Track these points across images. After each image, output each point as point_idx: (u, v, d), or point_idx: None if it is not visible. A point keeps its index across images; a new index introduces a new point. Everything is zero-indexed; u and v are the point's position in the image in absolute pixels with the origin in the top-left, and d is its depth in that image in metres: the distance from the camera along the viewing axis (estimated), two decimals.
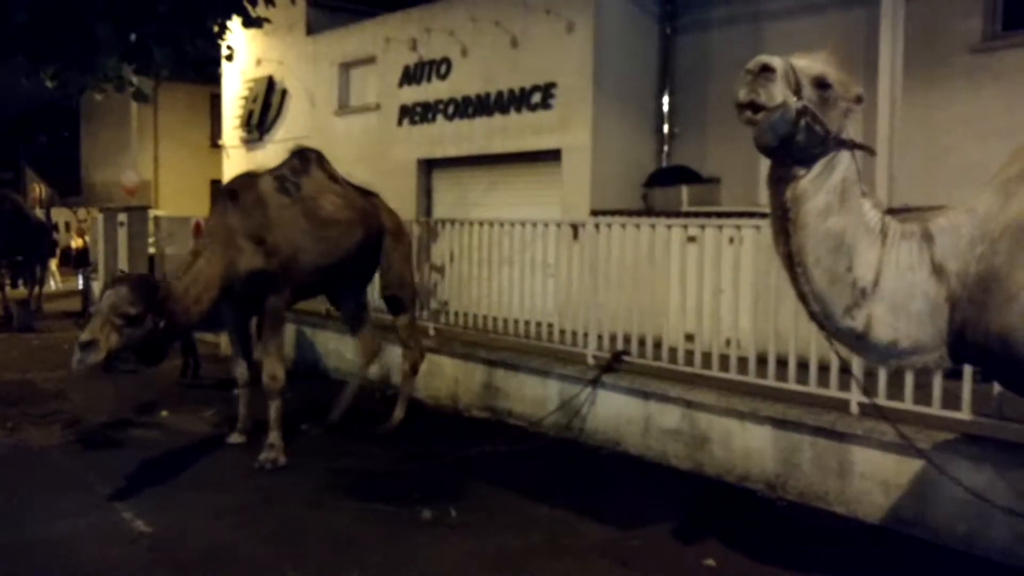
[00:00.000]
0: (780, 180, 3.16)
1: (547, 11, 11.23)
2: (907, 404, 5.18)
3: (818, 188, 3.09)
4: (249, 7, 7.97)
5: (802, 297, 3.24)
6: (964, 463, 4.83)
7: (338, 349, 9.64)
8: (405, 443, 6.99)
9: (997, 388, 4.83)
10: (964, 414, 5.02)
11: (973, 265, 3.01)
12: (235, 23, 8.23)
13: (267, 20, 8.03)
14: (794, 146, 3.06)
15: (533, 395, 7.49)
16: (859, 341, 3.19)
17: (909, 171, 7.81)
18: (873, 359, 3.43)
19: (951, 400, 5.05)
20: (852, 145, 3.13)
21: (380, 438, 7.08)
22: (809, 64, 3.11)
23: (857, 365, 5.34)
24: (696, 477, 6.15)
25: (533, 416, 7.42)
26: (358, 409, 7.73)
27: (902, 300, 3.09)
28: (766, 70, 3.03)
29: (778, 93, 3.01)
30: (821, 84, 3.07)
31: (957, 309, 3.06)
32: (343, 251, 6.92)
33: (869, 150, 3.26)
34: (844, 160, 3.12)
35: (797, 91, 3.01)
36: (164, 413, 7.80)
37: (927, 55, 8.66)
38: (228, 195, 6.48)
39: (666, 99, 11.28)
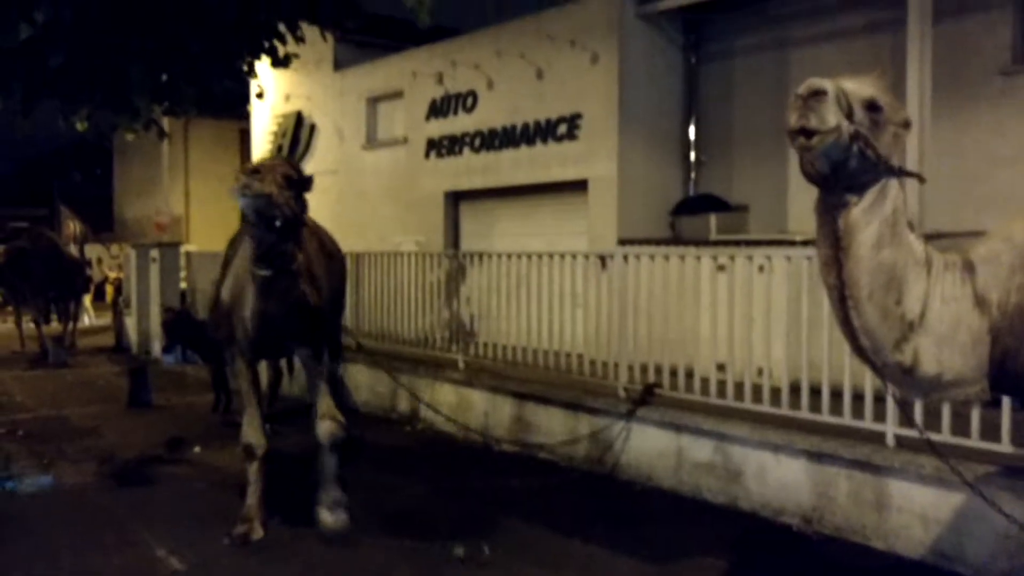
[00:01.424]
0: (831, 209, 3.03)
1: (572, 43, 11.31)
2: (945, 436, 5.09)
3: (871, 219, 2.98)
4: (279, 46, 8.08)
5: (849, 330, 3.12)
6: (1005, 496, 4.72)
7: (370, 383, 9.66)
8: (436, 477, 6.96)
9: None
10: (1004, 446, 4.92)
11: (1013, 295, 2.96)
12: (264, 62, 8.34)
13: (296, 55, 8.13)
14: (846, 172, 2.94)
15: (564, 428, 7.44)
16: (906, 375, 3.09)
17: (939, 196, 7.72)
18: (915, 394, 3.34)
19: (990, 431, 4.95)
20: (902, 172, 3.02)
21: (410, 473, 7.05)
22: (859, 87, 2.99)
23: (893, 400, 5.26)
24: (730, 511, 6.06)
25: (564, 450, 7.36)
26: (383, 443, 7.72)
27: (947, 332, 3.02)
28: (817, 94, 2.87)
29: (831, 116, 2.86)
30: (872, 107, 2.94)
31: (998, 340, 2.99)
32: (338, 285, 7.15)
33: (919, 177, 3.17)
34: (894, 189, 3.02)
35: (849, 115, 2.87)
36: (196, 449, 7.84)
37: (955, 79, 8.61)
38: None
39: (692, 127, 11.29)
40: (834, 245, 3.04)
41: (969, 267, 3.04)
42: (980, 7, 8.75)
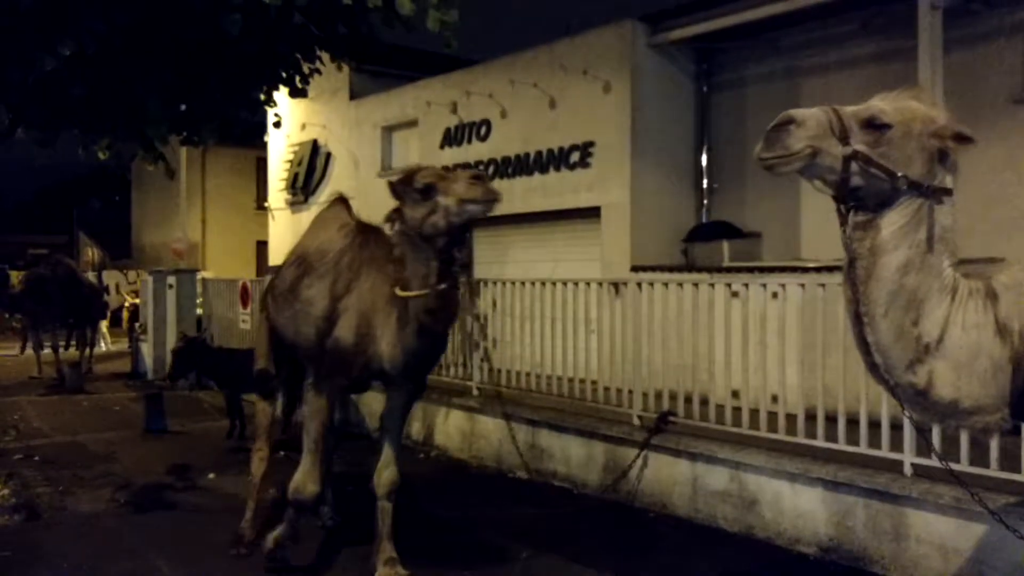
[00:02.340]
0: (858, 227, 3.02)
1: (584, 72, 11.41)
2: (963, 465, 5.05)
3: (900, 241, 2.97)
4: (297, 77, 8.18)
5: (863, 346, 3.11)
6: None
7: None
8: (450, 506, 6.95)
9: None
10: (1023, 476, 4.88)
11: None
12: (282, 92, 8.44)
13: (307, 83, 8.22)
14: (859, 192, 2.97)
15: (578, 456, 7.43)
16: (919, 397, 3.06)
17: (956, 222, 7.71)
18: (930, 418, 3.29)
19: (1009, 461, 4.92)
20: (929, 189, 2.96)
21: (425, 501, 7.05)
22: (862, 108, 3.01)
23: (909, 423, 5.23)
24: (746, 540, 6.02)
25: (579, 478, 7.35)
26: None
27: (966, 359, 2.98)
28: (781, 125, 2.96)
29: (795, 143, 2.94)
30: (872, 125, 2.95)
31: (1020, 369, 2.97)
32: None
33: (947, 191, 3.04)
34: (937, 214, 2.99)
35: (844, 137, 2.92)
36: (211, 476, 7.86)
37: (966, 108, 8.60)
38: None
39: (704, 155, 11.35)
40: (856, 262, 3.03)
41: (992, 295, 3.01)
42: (990, 36, 8.79)
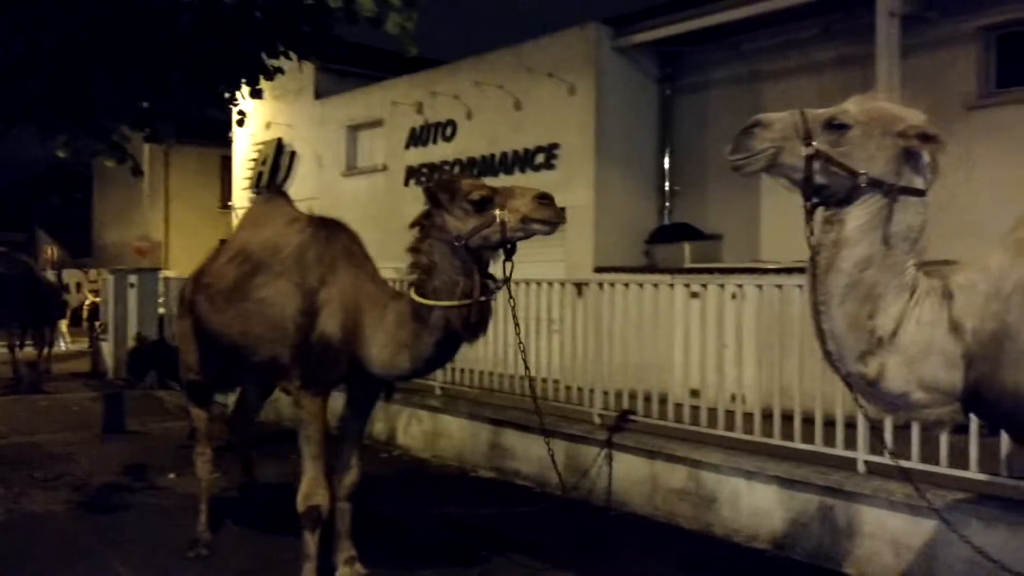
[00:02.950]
0: (826, 221, 3.16)
1: (549, 74, 11.47)
2: (914, 462, 5.16)
3: (863, 237, 3.07)
4: (260, 76, 8.12)
5: (819, 333, 3.22)
6: (973, 522, 4.80)
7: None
8: (412, 505, 6.95)
9: (1005, 446, 4.82)
10: (972, 472, 4.99)
11: (988, 322, 3.02)
12: (244, 90, 8.38)
13: (271, 79, 8.15)
14: (824, 190, 3.12)
15: (540, 455, 7.45)
16: (869, 387, 3.17)
17: (926, 222, 7.86)
18: (882, 408, 3.39)
19: (958, 457, 5.03)
20: (891, 188, 3.05)
21: (386, 500, 7.04)
22: (824, 110, 3.15)
23: (863, 422, 5.34)
24: (704, 538, 6.10)
25: (540, 476, 7.38)
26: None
27: (918, 354, 3.08)
28: (747, 128, 3.17)
29: (757, 143, 3.14)
30: (832, 126, 3.09)
31: (972, 366, 3.06)
32: None
33: (914, 191, 3.11)
34: (902, 213, 3.08)
35: (807, 138, 3.07)
36: (171, 476, 7.79)
37: (923, 112, 8.79)
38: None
39: (667, 158, 11.46)
40: (819, 254, 3.14)
41: (948, 294, 3.09)
42: (946, 43, 8.98)
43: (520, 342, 5.11)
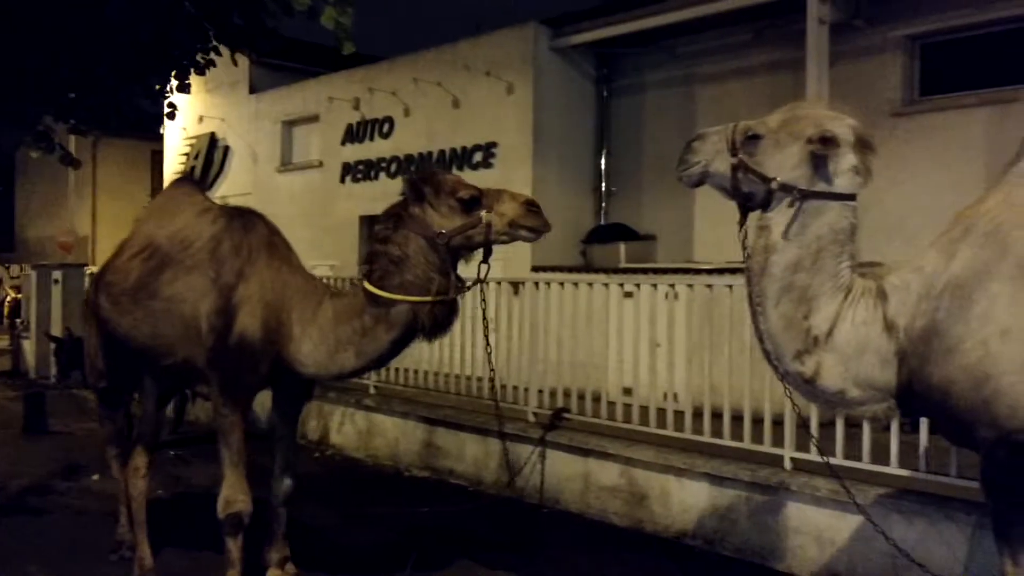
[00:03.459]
0: (758, 226, 3.32)
1: (487, 73, 11.47)
2: (839, 459, 5.29)
3: (790, 241, 3.20)
4: (192, 69, 7.94)
5: (758, 333, 3.36)
6: (894, 516, 4.95)
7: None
8: (345, 504, 6.88)
9: (923, 441, 4.98)
10: (893, 468, 5.14)
11: (919, 320, 3.14)
12: (173, 83, 8.20)
13: (203, 74, 7.98)
14: (742, 194, 3.33)
15: (474, 454, 7.46)
16: (807, 385, 3.30)
17: (854, 224, 8.05)
18: (821, 405, 3.56)
19: (881, 454, 5.17)
20: (801, 192, 3.18)
21: (319, 500, 6.96)
22: (748, 123, 3.34)
23: (790, 420, 5.47)
24: (635, 534, 6.16)
25: (474, 475, 7.38)
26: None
27: (853, 352, 3.20)
28: (688, 144, 3.45)
29: (692, 157, 3.42)
30: (748, 137, 3.30)
31: (905, 362, 3.18)
32: None
33: (830, 195, 3.22)
34: (825, 216, 3.20)
35: (734, 150, 3.30)
36: (95, 477, 7.57)
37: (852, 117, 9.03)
38: None
39: (604, 159, 11.55)
40: (752, 258, 3.31)
41: (882, 294, 3.21)
42: (873, 51, 9.23)
43: (488, 345, 5.06)
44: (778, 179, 3.21)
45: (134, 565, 5.09)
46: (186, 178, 5.26)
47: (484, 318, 4.82)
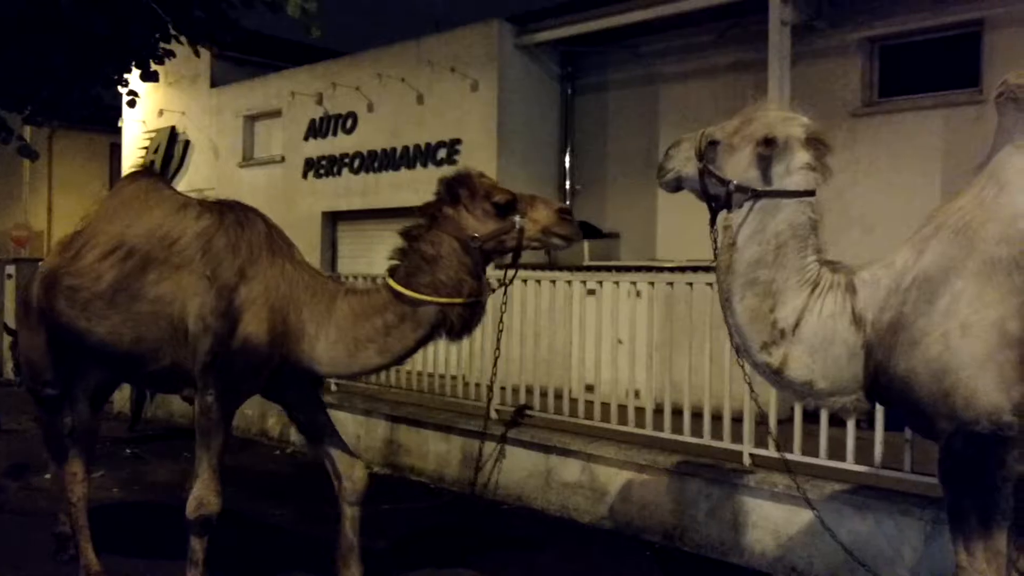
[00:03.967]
0: (724, 226, 3.44)
1: (452, 69, 11.43)
2: (796, 455, 5.36)
3: (750, 239, 3.32)
4: (151, 61, 7.83)
5: (728, 326, 3.46)
6: (848, 511, 5.03)
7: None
8: (306, 502, 6.82)
9: (878, 438, 5.05)
10: (848, 464, 5.21)
11: (886, 313, 3.21)
12: (134, 75, 8.08)
13: (162, 64, 7.87)
14: (714, 198, 3.46)
15: (436, 451, 7.44)
16: (775, 376, 3.40)
17: (813, 220, 8.12)
18: (791, 396, 3.61)
19: (838, 449, 5.24)
20: (755, 192, 3.31)
21: (279, 498, 6.89)
22: (712, 128, 3.49)
23: (749, 416, 5.52)
24: (596, 530, 6.19)
25: (436, 472, 7.36)
26: (253, 468, 7.54)
27: (820, 344, 3.28)
28: (668, 150, 3.64)
29: (668, 164, 3.60)
30: (710, 143, 3.45)
31: (872, 355, 3.25)
32: None
33: (785, 193, 3.32)
34: (782, 213, 3.30)
35: (700, 155, 3.45)
36: (47, 476, 7.41)
37: (811, 117, 9.13)
38: None
39: (567, 156, 11.57)
40: (720, 256, 3.44)
41: (851, 287, 3.30)
42: (834, 53, 9.34)
43: (497, 348, 5.22)
44: (734, 181, 3.35)
45: (80, 571, 4.95)
46: (146, 171, 4.97)
47: (501, 320, 4.85)
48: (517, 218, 4.07)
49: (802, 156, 3.31)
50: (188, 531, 4.36)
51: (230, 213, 4.49)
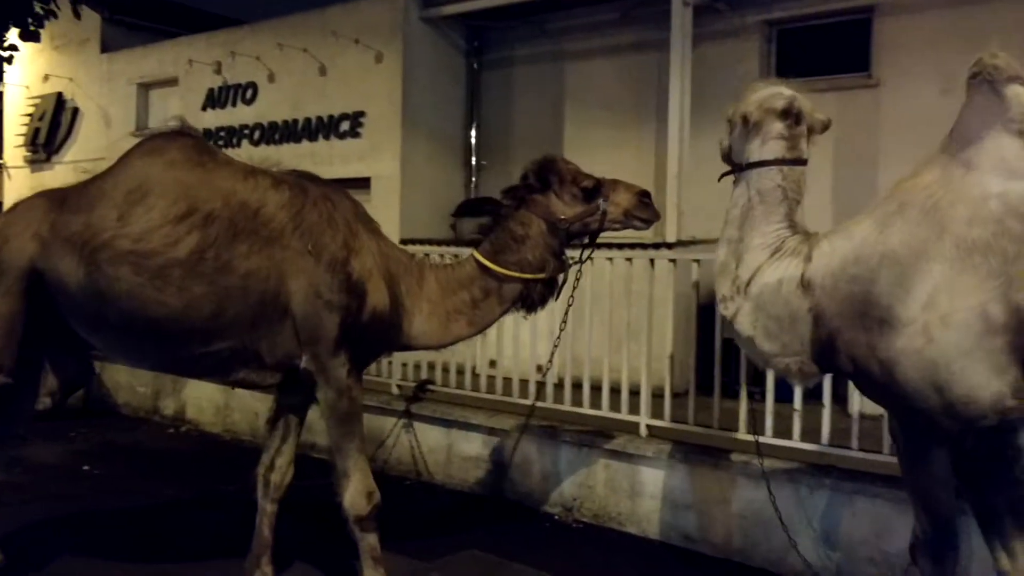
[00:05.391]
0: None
1: (356, 41, 11.19)
2: (689, 425, 5.50)
3: (732, 206, 3.66)
4: (29, 20, 7.43)
5: None
6: (744, 481, 5.17)
7: (130, 383, 9.08)
8: (199, 481, 6.65)
9: (826, 414, 5.05)
10: (741, 434, 5.34)
11: (844, 284, 3.26)
12: (12, 34, 7.65)
13: (41, 26, 7.47)
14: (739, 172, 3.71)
15: None
16: (731, 326, 3.64)
17: (695, 204, 8.28)
18: (748, 353, 3.79)
19: (731, 419, 5.38)
20: (738, 164, 3.68)
21: (173, 477, 6.69)
22: (728, 108, 3.77)
23: (646, 389, 5.63)
24: (497, 503, 6.22)
25: None
26: (146, 446, 7.29)
27: (765, 303, 3.46)
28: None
29: (721, 145, 3.84)
30: (728, 122, 3.74)
31: (822, 321, 3.32)
32: None
33: (755, 165, 3.60)
34: (753, 180, 3.59)
35: (732, 132, 3.72)
36: None
37: (712, 99, 9.27)
38: None
39: (474, 132, 11.51)
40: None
41: (808, 257, 3.43)
42: (733, 35, 9.52)
43: (564, 322, 5.32)
44: (732, 157, 3.70)
45: None
46: (182, 131, 4.47)
47: (572, 297, 4.97)
48: (601, 201, 4.31)
49: (775, 127, 3.55)
50: (361, 530, 4.41)
51: (312, 186, 4.34)
